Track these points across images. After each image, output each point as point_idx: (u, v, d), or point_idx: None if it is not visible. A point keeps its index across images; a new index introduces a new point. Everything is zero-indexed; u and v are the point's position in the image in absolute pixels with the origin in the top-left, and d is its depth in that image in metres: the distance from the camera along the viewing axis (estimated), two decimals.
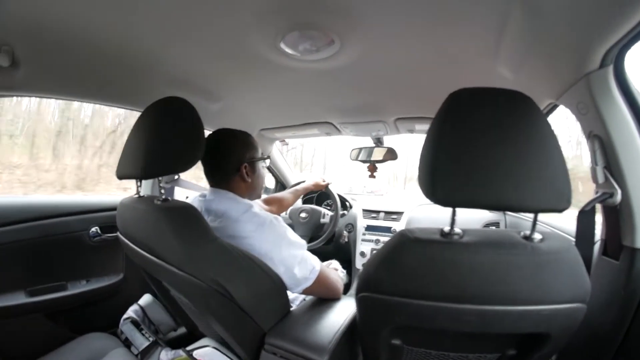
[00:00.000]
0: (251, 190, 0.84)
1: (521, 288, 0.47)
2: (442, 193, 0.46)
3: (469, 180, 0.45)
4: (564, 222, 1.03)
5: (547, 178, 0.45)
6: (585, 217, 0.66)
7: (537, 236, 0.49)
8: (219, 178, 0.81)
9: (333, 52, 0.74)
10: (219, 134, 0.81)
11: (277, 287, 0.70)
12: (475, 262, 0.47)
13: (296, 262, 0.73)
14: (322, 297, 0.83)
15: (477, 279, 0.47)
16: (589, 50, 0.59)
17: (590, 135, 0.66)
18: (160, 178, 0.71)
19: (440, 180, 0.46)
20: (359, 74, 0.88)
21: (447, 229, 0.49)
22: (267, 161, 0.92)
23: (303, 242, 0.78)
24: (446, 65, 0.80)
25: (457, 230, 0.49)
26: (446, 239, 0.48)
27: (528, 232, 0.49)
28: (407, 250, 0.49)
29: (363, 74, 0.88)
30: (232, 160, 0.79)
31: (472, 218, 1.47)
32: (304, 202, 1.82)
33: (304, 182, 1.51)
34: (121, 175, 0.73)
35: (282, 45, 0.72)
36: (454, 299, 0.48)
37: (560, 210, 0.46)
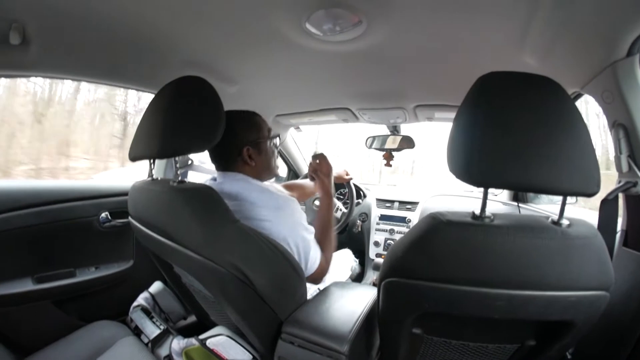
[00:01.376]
0: (259, 172, 0.80)
1: (550, 273, 0.47)
2: (478, 174, 0.45)
3: (503, 161, 0.45)
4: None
5: (576, 161, 0.45)
6: (607, 207, 0.65)
7: (564, 221, 0.48)
8: (223, 162, 0.78)
9: (358, 33, 0.72)
10: None
11: (297, 274, 0.69)
12: (508, 245, 0.46)
13: (310, 247, 0.74)
14: (313, 282, 0.82)
15: (508, 262, 0.46)
16: (616, 38, 0.59)
17: (615, 124, 0.65)
18: (176, 159, 0.69)
19: (476, 161, 0.46)
20: (382, 57, 0.86)
21: (477, 211, 0.49)
22: (277, 140, 0.87)
23: (312, 229, 0.79)
24: (471, 52, 0.79)
25: (487, 213, 0.48)
26: (478, 221, 0.48)
27: (555, 217, 0.49)
28: (439, 233, 0.48)
29: (386, 58, 0.86)
30: (234, 143, 0.75)
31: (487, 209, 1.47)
32: None
33: None
34: (134, 157, 0.72)
35: (308, 25, 0.70)
36: (485, 283, 0.47)
37: (590, 195, 0.46)
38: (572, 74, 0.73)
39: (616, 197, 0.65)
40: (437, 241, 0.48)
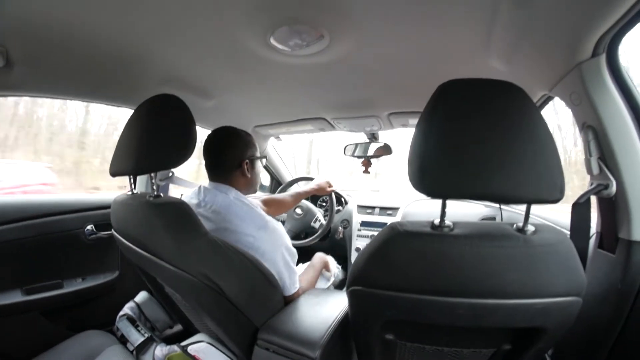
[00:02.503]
0: (249, 185, 0.89)
1: (513, 281, 0.46)
2: (430, 184, 0.46)
3: (459, 170, 0.45)
4: (562, 217, 1.02)
5: (539, 168, 0.44)
6: (580, 210, 0.65)
7: (530, 228, 0.48)
8: (220, 172, 0.85)
9: (323, 46, 0.74)
10: (225, 130, 0.87)
11: (270, 283, 0.71)
12: (466, 255, 0.46)
13: (287, 270, 0.78)
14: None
15: (467, 271, 0.46)
16: (580, 39, 0.58)
17: (584, 126, 0.65)
18: (153, 174, 0.71)
19: (429, 171, 0.46)
20: (350, 68, 0.88)
21: (437, 221, 0.49)
22: (264, 160, 0.98)
23: (295, 253, 0.84)
24: (438, 59, 0.79)
25: (447, 222, 0.48)
26: (436, 231, 0.48)
27: (521, 224, 0.49)
28: (396, 243, 0.49)
29: (354, 68, 0.88)
30: (237, 156, 0.85)
31: (467, 212, 1.47)
32: None
33: (310, 180, 1.50)
34: (114, 172, 0.74)
35: (272, 41, 0.72)
36: (444, 292, 0.47)
37: (553, 201, 0.45)
38: (540, 76, 0.72)
39: (588, 200, 0.65)
40: (395, 251, 0.49)
